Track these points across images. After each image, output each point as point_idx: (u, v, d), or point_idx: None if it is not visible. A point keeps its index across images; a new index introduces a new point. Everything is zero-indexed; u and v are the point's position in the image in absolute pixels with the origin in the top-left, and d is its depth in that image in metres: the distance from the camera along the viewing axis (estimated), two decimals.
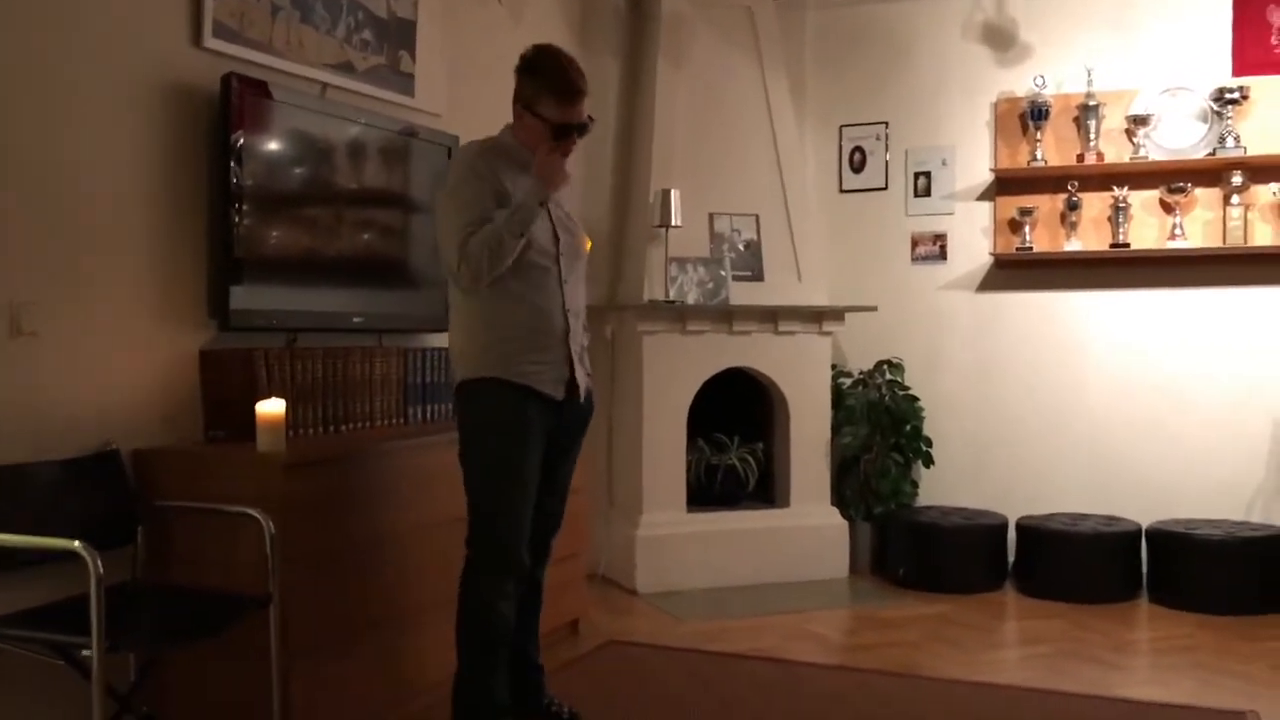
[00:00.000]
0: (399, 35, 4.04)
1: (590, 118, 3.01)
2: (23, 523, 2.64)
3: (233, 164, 3.22)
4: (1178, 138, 5.12)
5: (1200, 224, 5.11)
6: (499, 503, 2.95)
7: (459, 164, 3.02)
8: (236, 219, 3.23)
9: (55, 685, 2.66)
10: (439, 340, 4.10)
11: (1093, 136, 5.21)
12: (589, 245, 3.29)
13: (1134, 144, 5.17)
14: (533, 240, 2.95)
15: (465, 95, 4.40)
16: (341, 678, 3.11)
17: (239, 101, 3.22)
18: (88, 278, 2.95)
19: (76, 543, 2.37)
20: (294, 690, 2.90)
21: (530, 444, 2.96)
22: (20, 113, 2.77)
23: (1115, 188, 5.19)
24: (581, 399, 3.12)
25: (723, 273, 5.16)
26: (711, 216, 5.27)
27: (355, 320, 3.70)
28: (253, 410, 3.02)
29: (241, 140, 3.24)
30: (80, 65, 2.93)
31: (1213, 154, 5.00)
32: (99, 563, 2.34)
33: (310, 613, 2.98)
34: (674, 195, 4.99)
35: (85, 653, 2.37)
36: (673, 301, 5.02)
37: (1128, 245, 5.18)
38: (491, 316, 2.95)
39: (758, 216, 5.35)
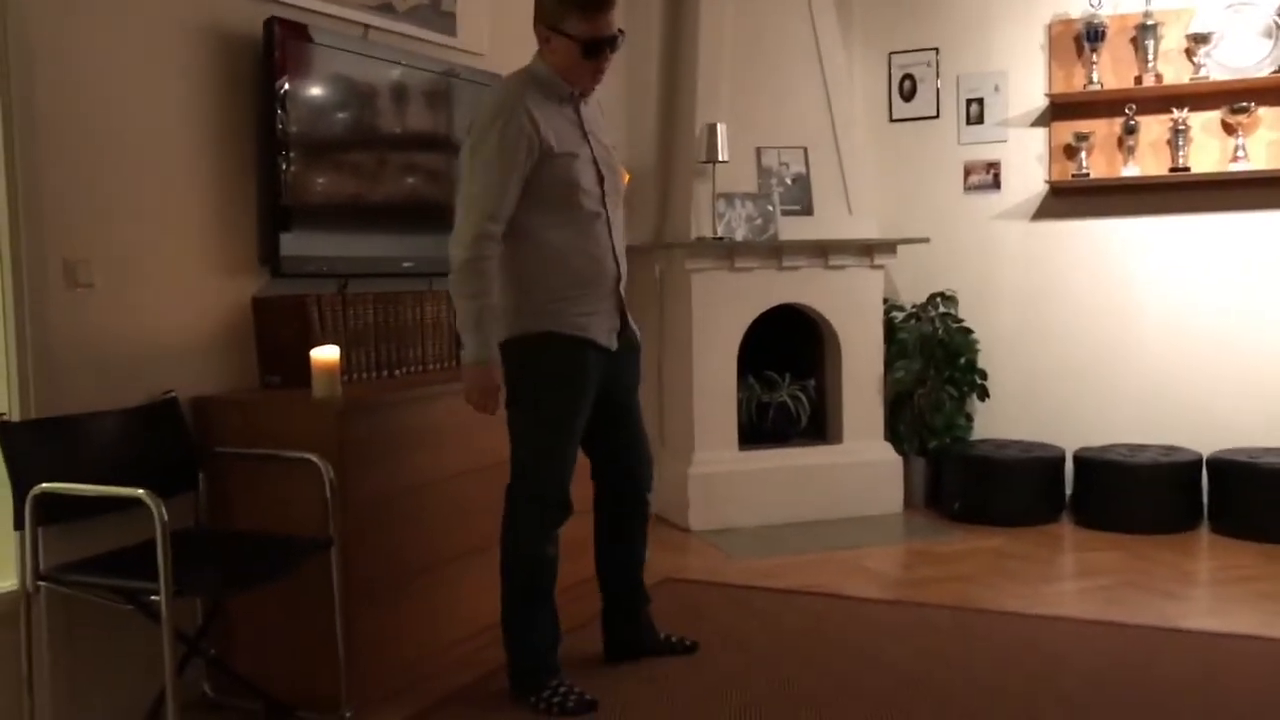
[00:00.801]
0: None
1: (620, 30, 2.91)
2: (88, 471, 2.69)
3: (278, 110, 3.20)
4: (1240, 56, 4.95)
5: (1264, 145, 4.96)
6: (547, 452, 2.96)
7: (493, 109, 2.86)
8: (284, 166, 3.23)
9: (126, 629, 2.72)
10: None
11: (1151, 57, 5.06)
12: (627, 178, 3.22)
13: (1194, 64, 5.01)
14: (579, 184, 2.91)
15: (508, 34, 4.34)
16: (401, 619, 3.16)
17: (282, 46, 3.20)
18: (140, 229, 2.97)
19: (141, 491, 2.41)
20: (356, 632, 2.95)
21: (585, 396, 2.96)
22: (70, 66, 2.77)
23: (1174, 110, 5.04)
24: (636, 342, 3.12)
25: (771, 208, 5.09)
26: (759, 150, 5.19)
27: (405, 265, 3.70)
28: (306, 356, 3.04)
29: (286, 86, 3.22)
30: (128, 15, 2.91)
31: (1278, 71, 4.84)
32: (164, 510, 2.38)
33: (369, 555, 3.02)
34: (720, 130, 4.92)
35: (153, 598, 2.41)
36: (721, 238, 4.97)
37: (1188, 169, 5.04)
38: (543, 268, 2.90)
39: (806, 149, 5.26)
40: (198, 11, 3.11)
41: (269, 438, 2.97)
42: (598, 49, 2.86)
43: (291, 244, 3.26)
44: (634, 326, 3.12)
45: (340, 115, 3.46)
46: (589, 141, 2.99)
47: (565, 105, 2.96)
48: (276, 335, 3.24)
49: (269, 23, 3.20)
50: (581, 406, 2.96)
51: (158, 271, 3.02)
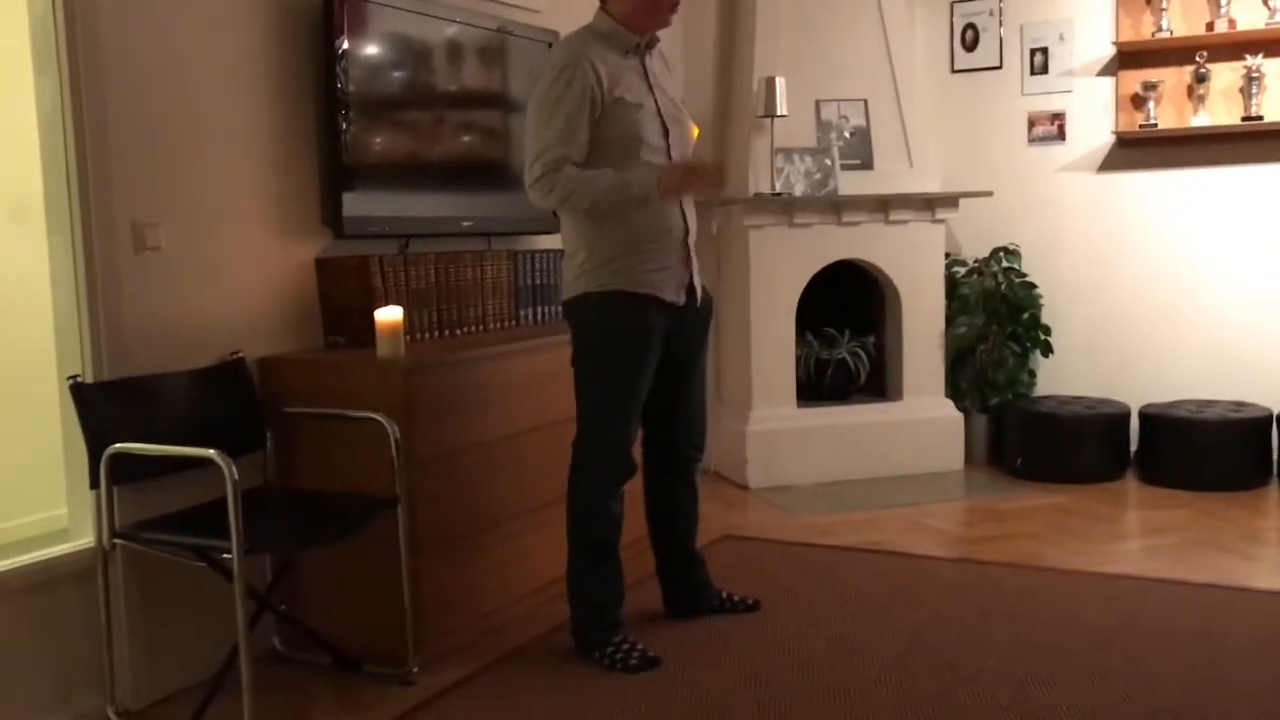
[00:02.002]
0: None
1: None
2: (159, 431, 2.74)
3: (338, 69, 3.21)
4: None
5: None
6: (611, 409, 2.96)
7: (557, 64, 2.87)
8: (344, 125, 3.24)
9: (198, 586, 2.78)
10: (547, 242, 4.10)
11: (1223, 2, 4.91)
12: (696, 132, 3.20)
13: (1269, 8, 4.85)
14: (642, 137, 2.89)
15: None
16: (466, 575, 3.19)
17: (341, 4, 3.20)
18: (205, 191, 3.00)
19: (213, 451, 2.45)
20: (423, 588, 2.99)
21: (650, 354, 2.95)
22: (134, 29, 2.79)
23: (1248, 56, 4.89)
24: (699, 301, 3.09)
25: (829, 162, 5.03)
26: (818, 104, 5.12)
27: (464, 224, 3.71)
28: (370, 316, 3.06)
29: (345, 45, 3.22)
30: None
31: None
32: (234, 470, 2.42)
33: (435, 513, 3.05)
34: (779, 83, 4.86)
35: (225, 555, 2.46)
36: (779, 194, 4.92)
37: (1260, 118, 4.90)
38: (609, 225, 2.89)
39: (866, 102, 5.18)
40: None
41: (334, 397, 3.01)
42: None
43: (354, 204, 3.27)
44: (699, 285, 3.08)
45: (398, 74, 3.46)
46: (654, 94, 2.97)
47: (630, 57, 2.94)
48: (340, 296, 3.27)
49: None
50: (647, 364, 2.96)
51: (223, 234, 3.05)
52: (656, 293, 2.93)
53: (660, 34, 3.04)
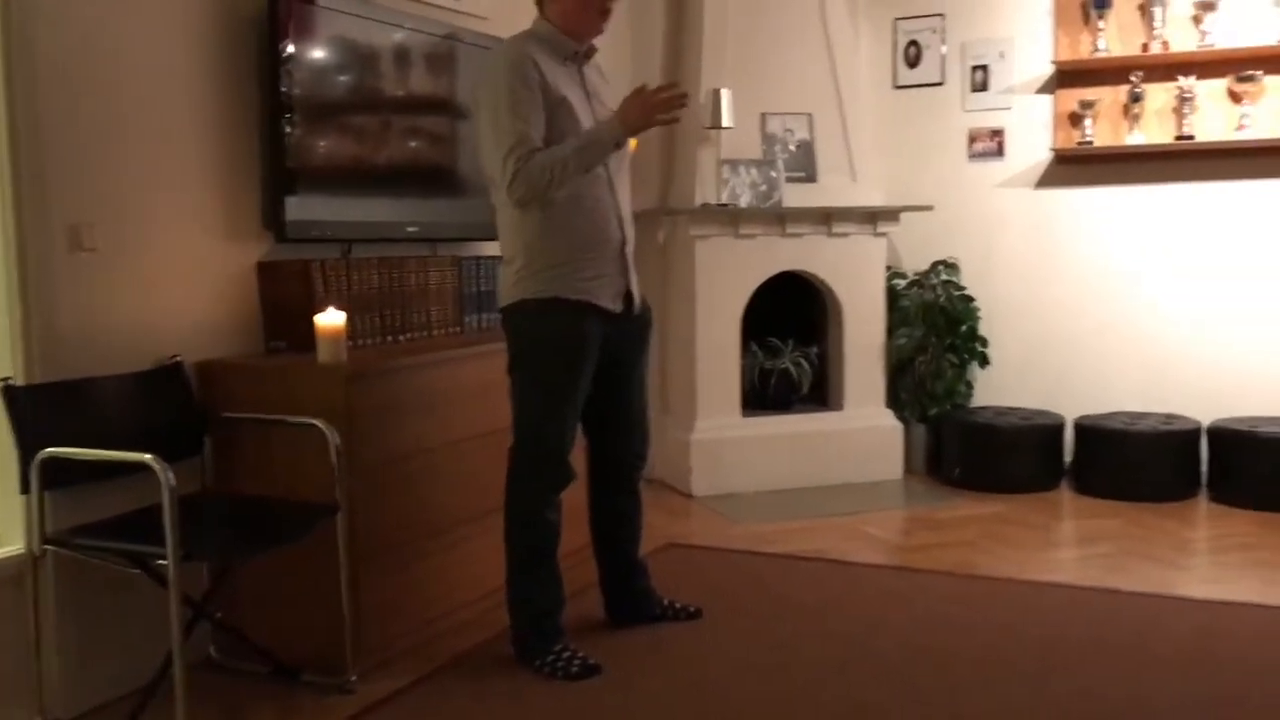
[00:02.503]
0: None
1: None
2: (94, 436, 2.69)
3: (282, 73, 3.18)
4: (1247, 24, 4.92)
5: (1270, 114, 4.93)
6: (547, 417, 2.95)
7: (503, 64, 2.87)
8: (288, 129, 3.21)
9: (132, 593, 2.73)
10: (493, 248, 4.07)
11: (1157, 24, 5.02)
12: (634, 145, 3.21)
13: (1200, 31, 4.97)
14: None
15: None
16: (407, 583, 3.17)
17: (286, 8, 3.18)
18: (144, 193, 2.96)
19: (149, 456, 2.42)
20: (363, 595, 2.97)
21: (587, 361, 2.95)
22: (73, 29, 2.75)
23: (1180, 78, 5.01)
24: (637, 309, 3.09)
25: (775, 174, 5.07)
26: (763, 117, 5.17)
27: (409, 230, 3.69)
28: (311, 321, 3.04)
29: (290, 48, 3.20)
30: None
31: None
32: (171, 475, 2.39)
33: (376, 520, 3.03)
34: (725, 95, 4.90)
35: (160, 562, 2.42)
36: (725, 205, 4.96)
37: (1192, 137, 5.02)
38: (547, 232, 2.89)
39: (810, 116, 5.24)
40: None
41: (274, 403, 2.98)
42: None
43: (296, 208, 3.25)
44: (636, 293, 3.08)
45: (344, 78, 3.44)
46: (591, 102, 2.99)
47: (568, 64, 2.95)
48: (281, 300, 3.24)
49: None
50: (583, 371, 2.96)
51: (162, 236, 3.01)
52: (594, 300, 2.93)
53: (602, 46, 3.07)
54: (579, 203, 2.90)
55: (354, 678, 2.91)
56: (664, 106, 2.84)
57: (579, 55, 2.99)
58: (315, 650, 2.97)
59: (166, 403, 2.97)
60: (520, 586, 3.03)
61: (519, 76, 2.82)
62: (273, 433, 2.98)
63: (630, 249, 3.05)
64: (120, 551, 2.55)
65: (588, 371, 2.98)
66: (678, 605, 3.38)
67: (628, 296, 3.04)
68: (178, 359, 3.01)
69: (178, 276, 3.05)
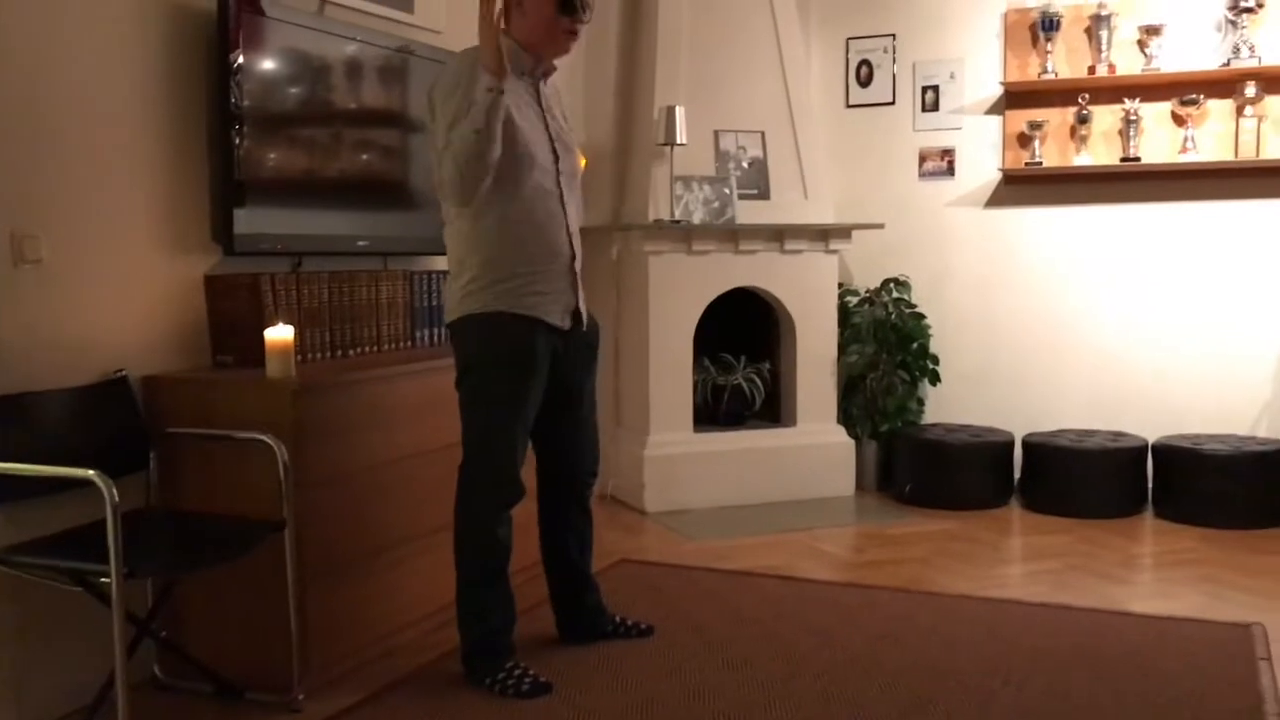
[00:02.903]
0: None
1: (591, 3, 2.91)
2: (36, 451, 2.64)
3: (232, 84, 3.15)
4: (1191, 48, 5.03)
5: (1212, 137, 5.04)
6: (496, 432, 2.93)
7: (448, 75, 2.86)
8: (237, 140, 3.18)
9: (74, 611, 2.68)
10: (444, 263, 4.06)
11: (1104, 48, 5.12)
12: (584, 162, 3.21)
13: (1146, 55, 5.08)
14: (535, 160, 2.88)
15: (465, 11, 4.29)
16: (356, 599, 3.14)
17: (237, 20, 3.15)
18: (89, 204, 2.91)
19: (92, 472, 2.37)
20: (310, 613, 2.93)
21: (535, 376, 2.94)
22: (15, 36, 2.71)
23: (1126, 100, 5.11)
24: (585, 326, 3.09)
25: (728, 191, 5.10)
26: (717, 134, 5.20)
27: (360, 243, 3.66)
28: (260, 335, 3.00)
29: (240, 60, 3.17)
30: None
31: (1227, 65, 4.91)
32: (114, 491, 2.34)
33: (324, 536, 3.00)
34: (679, 112, 4.92)
35: (103, 580, 2.38)
36: (678, 221, 4.97)
37: (1138, 159, 5.11)
38: (495, 246, 2.87)
39: (763, 133, 5.27)
40: None
41: (222, 418, 2.94)
42: (571, 5, 2.86)
43: (245, 221, 3.21)
44: (583, 309, 3.07)
45: (295, 90, 3.41)
46: (545, 118, 2.98)
47: (525, 79, 2.95)
48: (229, 314, 3.19)
49: None
50: (531, 386, 2.94)
51: (108, 248, 2.96)
52: (541, 315, 2.92)
53: (559, 64, 3.06)
54: (530, 217, 2.89)
55: (300, 696, 2.87)
56: (571, 25, 2.84)
57: (537, 72, 2.99)
58: (261, 669, 2.92)
59: (111, 417, 2.92)
60: (470, 603, 3.00)
61: (457, 85, 2.79)
62: (219, 448, 2.94)
63: (579, 265, 3.04)
64: (62, 569, 2.49)
65: (536, 387, 2.96)
66: (629, 622, 3.37)
67: (576, 313, 3.03)
68: (123, 373, 2.96)
69: (124, 289, 3.01)
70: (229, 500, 2.92)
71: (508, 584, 3.03)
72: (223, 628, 2.99)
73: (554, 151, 2.97)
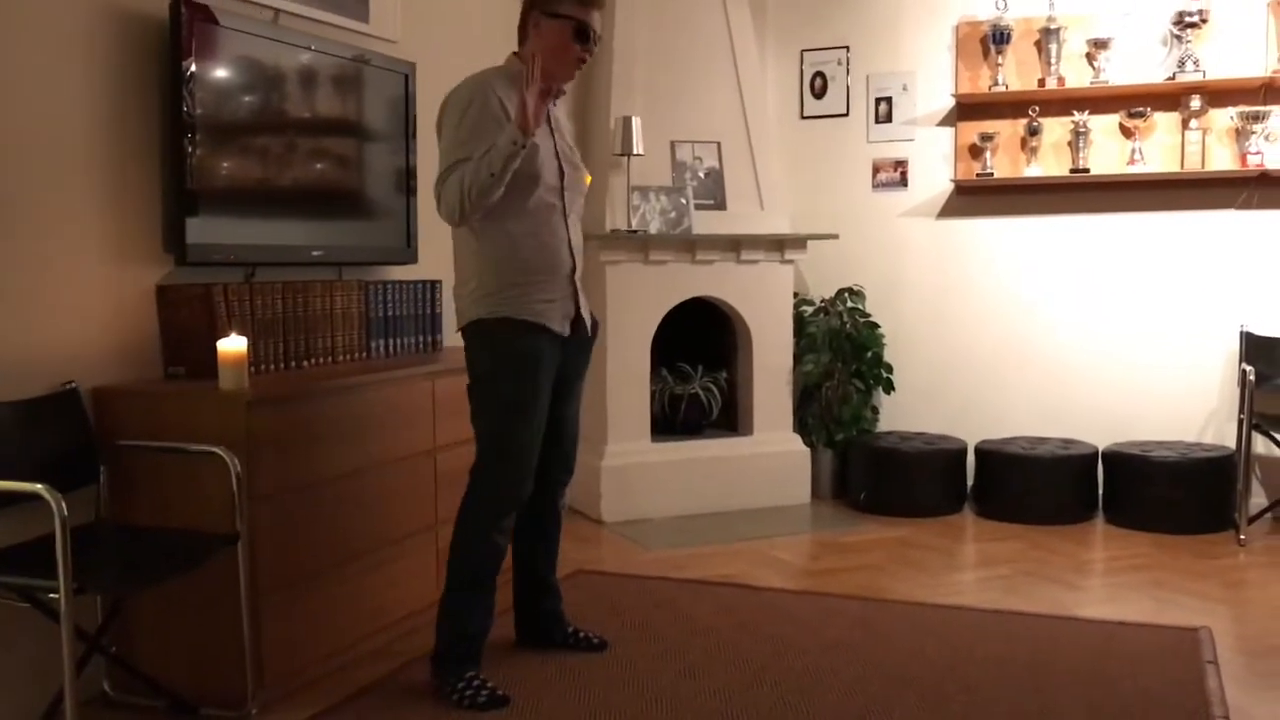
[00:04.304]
0: None
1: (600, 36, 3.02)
2: None
3: (185, 93, 3.12)
4: (1138, 62, 5.12)
5: (1159, 148, 5.13)
6: (508, 438, 2.97)
7: (463, 97, 2.92)
8: (190, 149, 3.15)
9: (22, 627, 2.63)
10: (400, 273, 4.06)
11: (1054, 61, 5.20)
12: (588, 179, 3.30)
13: (1094, 68, 5.16)
14: (541, 177, 2.94)
15: (421, 21, 4.30)
16: (312, 613, 3.11)
17: (189, 28, 3.12)
18: (38, 213, 2.87)
19: (40, 486, 2.34)
20: (265, 627, 2.90)
21: (541, 381, 2.99)
22: None
23: (1076, 112, 5.19)
24: (589, 332, 3.16)
25: (684, 201, 5.12)
26: (673, 145, 5.22)
27: (314, 253, 3.64)
28: (212, 346, 2.97)
29: (193, 68, 3.14)
30: None
31: (1172, 78, 5.01)
32: (63, 506, 2.31)
33: (279, 549, 2.97)
34: (635, 123, 4.94)
35: (52, 595, 2.34)
36: (635, 231, 4.98)
37: (1088, 170, 5.19)
38: (501, 256, 2.93)
39: (719, 144, 5.30)
40: None
41: (174, 430, 2.90)
42: (586, 34, 2.95)
43: (197, 230, 3.18)
44: (587, 317, 3.15)
45: (248, 99, 3.39)
46: (553, 137, 3.04)
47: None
48: (181, 325, 3.16)
49: (175, 4, 3.11)
50: (539, 392, 2.98)
51: (56, 257, 2.92)
52: (544, 322, 2.97)
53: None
54: (535, 230, 2.95)
55: (254, 711, 2.85)
56: (530, 81, 2.80)
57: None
58: (214, 684, 2.89)
59: (60, 430, 2.87)
60: (453, 604, 3.02)
61: (481, 105, 2.87)
62: (171, 461, 2.90)
63: (579, 275, 3.10)
64: (9, 585, 2.45)
65: (543, 391, 3.01)
66: (583, 634, 3.37)
67: (576, 321, 3.09)
68: (72, 385, 2.92)
69: (73, 299, 2.97)
70: (181, 514, 2.88)
71: (492, 592, 3.05)
72: (175, 642, 2.95)
73: (560, 168, 3.03)
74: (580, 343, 3.15)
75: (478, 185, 2.78)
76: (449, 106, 2.94)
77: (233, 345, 2.94)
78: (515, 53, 3.06)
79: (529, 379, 2.96)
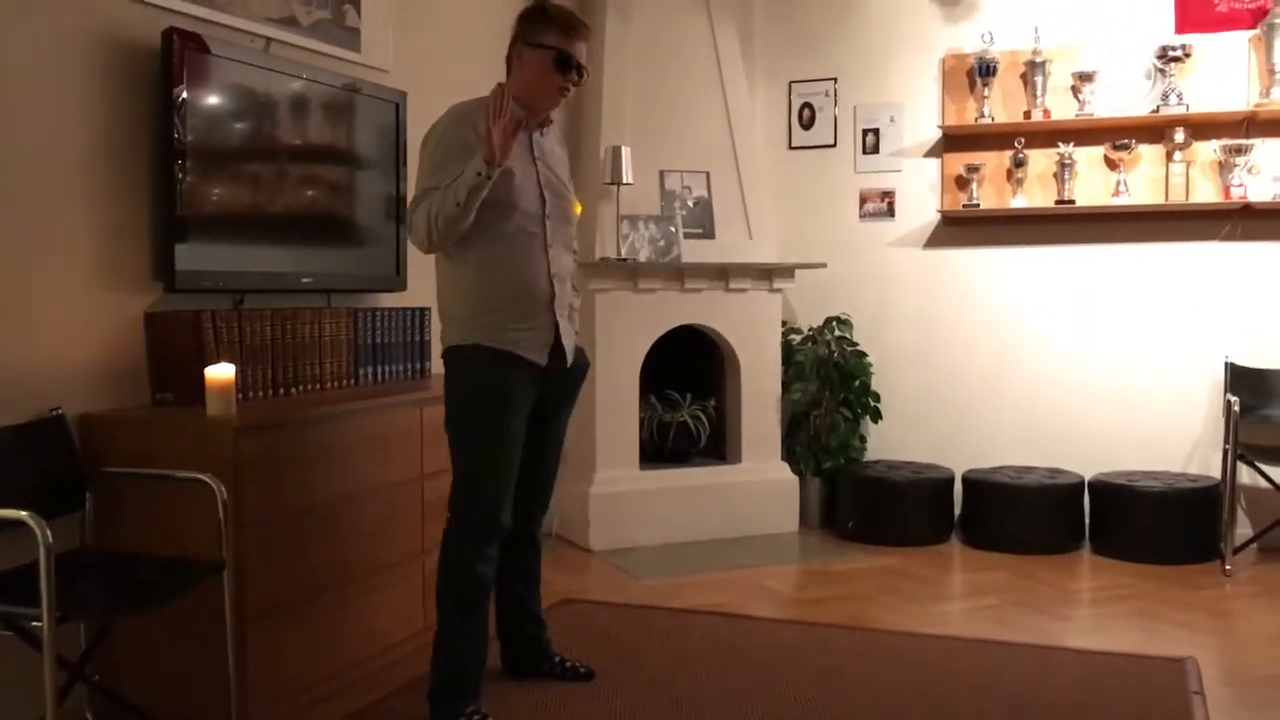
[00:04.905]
0: None
1: (586, 68, 3.04)
2: None
3: (175, 120, 3.13)
4: (1122, 95, 5.17)
5: (1143, 180, 5.18)
6: (483, 467, 2.95)
7: (442, 126, 2.95)
8: (180, 176, 3.16)
9: (3, 655, 2.61)
10: (389, 300, 4.06)
11: (1039, 93, 5.25)
12: (579, 209, 3.29)
13: (1079, 101, 5.21)
14: (518, 205, 2.94)
15: (412, 51, 4.33)
16: (299, 641, 3.10)
17: (180, 56, 3.13)
18: (26, 239, 2.87)
19: (25, 513, 2.32)
20: (250, 656, 2.88)
21: (513, 409, 2.96)
22: None
23: (1061, 144, 5.23)
24: (569, 362, 3.11)
25: (674, 230, 5.14)
26: (662, 174, 5.25)
27: (303, 280, 3.64)
28: (200, 373, 2.97)
29: (184, 95, 3.15)
30: (15, 18, 2.82)
31: (1156, 111, 5.06)
32: (48, 533, 2.29)
33: (265, 578, 2.96)
34: (625, 152, 4.96)
35: (35, 624, 2.32)
36: (624, 259, 5.00)
37: (1073, 201, 5.24)
38: (475, 283, 2.94)
39: (708, 174, 5.33)
40: (93, 19, 3.03)
41: (161, 457, 2.89)
42: (568, 64, 2.97)
43: (187, 257, 3.18)
44: (569, 347, 3.08)
45: (239, 127, 3.40)
46: (536, 166, 3.03)
47: (518, 131, 2.96)
48: (169, 352, 3.16)
49: (168, 33, 3.13)
50: (510, 420, 2.96)
51: (45, 283, 2.92)
52: (517, 350, 2.95)
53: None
54: (509, 258, 2.95)
55: None
56: (495, 114, 2.79)
57: (531, 123, 3.04)
58: (199, 712, 2.86)
59: (46, 456, 2.86)
60: (444, 637, 3.00)
61: (454, 135, 2.89)
62: (158, 488, 2.89)
63: (562, 304, 3.05)
64: None
65: (516, 420, 2.98)
66: (569, 664, 3.35)
67: (557, 351, 3.04)
68: (59, 411, 2.91)
69: (61, 325, 2.96)
70: (168, 541, 2.87)
71: (483, 621, 3.02)
72: (159, 671, 2.93)
73: (541, 197, 3.02)
74: (566, 375, 3.13)
75: (444, 215, 2.80)
76: (428, 136, 2.98)
77: (221, 372, 2.94)
78: (500, 84, 3.05)
79: (500, 407, 2.94)
